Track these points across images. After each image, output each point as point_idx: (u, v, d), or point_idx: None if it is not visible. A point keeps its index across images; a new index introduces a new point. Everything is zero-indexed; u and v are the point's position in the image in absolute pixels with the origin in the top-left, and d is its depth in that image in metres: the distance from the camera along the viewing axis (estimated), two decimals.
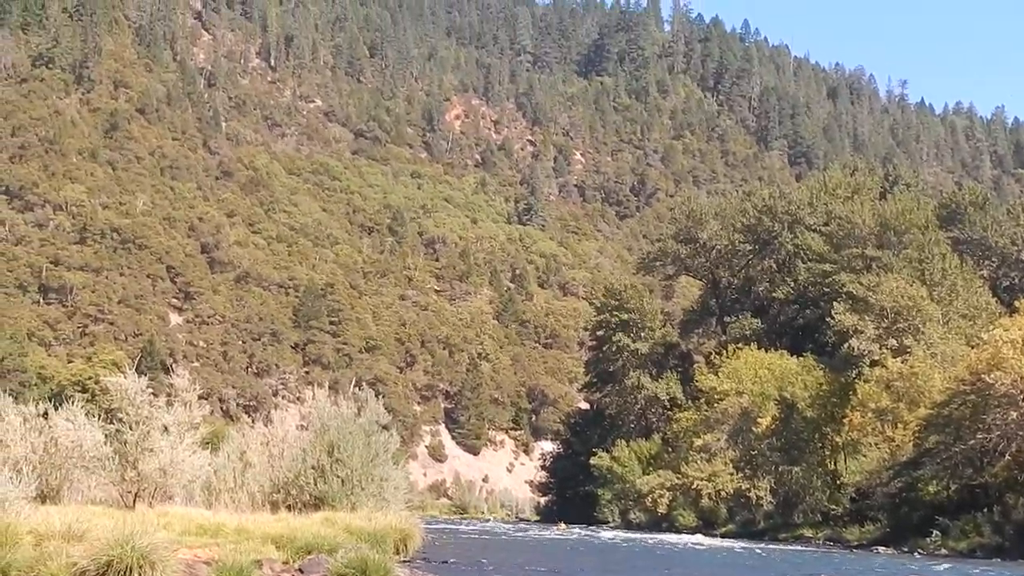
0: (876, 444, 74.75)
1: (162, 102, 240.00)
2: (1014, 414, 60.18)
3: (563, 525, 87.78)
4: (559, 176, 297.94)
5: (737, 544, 60.09)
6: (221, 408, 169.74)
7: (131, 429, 28.61)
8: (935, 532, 59.95)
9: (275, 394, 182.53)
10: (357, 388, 36.34)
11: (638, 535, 70.93)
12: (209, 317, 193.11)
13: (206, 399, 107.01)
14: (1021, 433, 60.46)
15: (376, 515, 27.99)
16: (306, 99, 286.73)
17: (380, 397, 36.55)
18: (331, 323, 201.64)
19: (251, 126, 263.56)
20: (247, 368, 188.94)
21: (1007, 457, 61.04)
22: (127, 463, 28.61)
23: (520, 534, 64.88)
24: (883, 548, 59.95)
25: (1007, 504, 58.51)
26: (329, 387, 35.69)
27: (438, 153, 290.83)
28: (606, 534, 73.34)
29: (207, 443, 32.03)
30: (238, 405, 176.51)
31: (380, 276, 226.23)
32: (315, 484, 31.25)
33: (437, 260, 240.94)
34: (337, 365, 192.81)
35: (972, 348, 71.77)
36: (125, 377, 29.35)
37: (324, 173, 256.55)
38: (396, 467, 34.48)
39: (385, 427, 33.98)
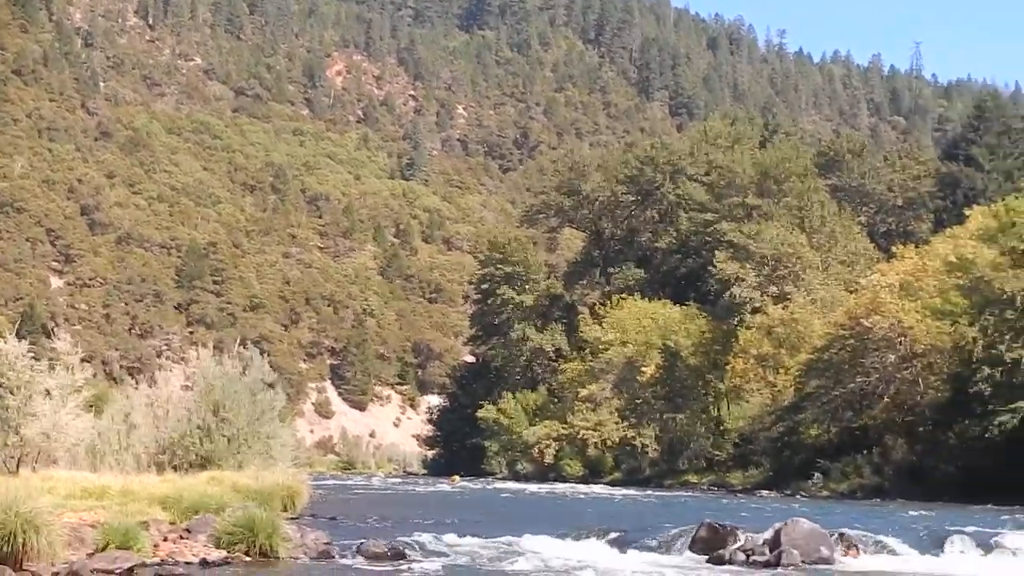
0: (758, 390, 75.86)
1: (39, 63, 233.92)
2: (892, 357, 61.49)
3: (456, 478, 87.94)
4: (442, 131, 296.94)
5: (624, 491, 60.70)
6: (104, 371, 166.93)
7: (12, 394, 28.10)
8: (816, 474, 61.04)
9: (159, 355, 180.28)
10: (242, 347, 35.89)
11: (533, 486, 71.33)
12: (90, 279, 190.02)
13: (89, 362, 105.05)
14: (899, 376, 61.82)
15: (263, 473, 27.77)
16: (185, 57, 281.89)
17: (265, 355, 36.21)
18: (214, 283, 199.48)
19: (130, 86, 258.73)
20: (130, 330, 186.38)
21: (885, 399, 62.39)
22: (9, 428, 28.10)
23: (410, 488, 64.89)
24: (766, 491, 60.91)
25: (886, 445, 59.74)
26: (213, 347, 35.16)
27: (320, 110, 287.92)
28: (502, 485, 73.69)
29: (91, 406, 31.50)
30: (121, 367, 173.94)
31: (263, 234, 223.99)
32: (201, 444, 30.94)
33: (320, 217, 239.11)
34: (221, 324, 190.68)
35: (851, 293, 73.12)
36: (5, 342, 28.77)
37: (205, 132, 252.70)
38: (283, 425, 34.25)
39: (271, 385, 33.70)
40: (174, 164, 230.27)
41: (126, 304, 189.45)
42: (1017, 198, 60.51)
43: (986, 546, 21.93)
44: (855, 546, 21.84)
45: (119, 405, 33.17)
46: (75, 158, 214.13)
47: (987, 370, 54.17)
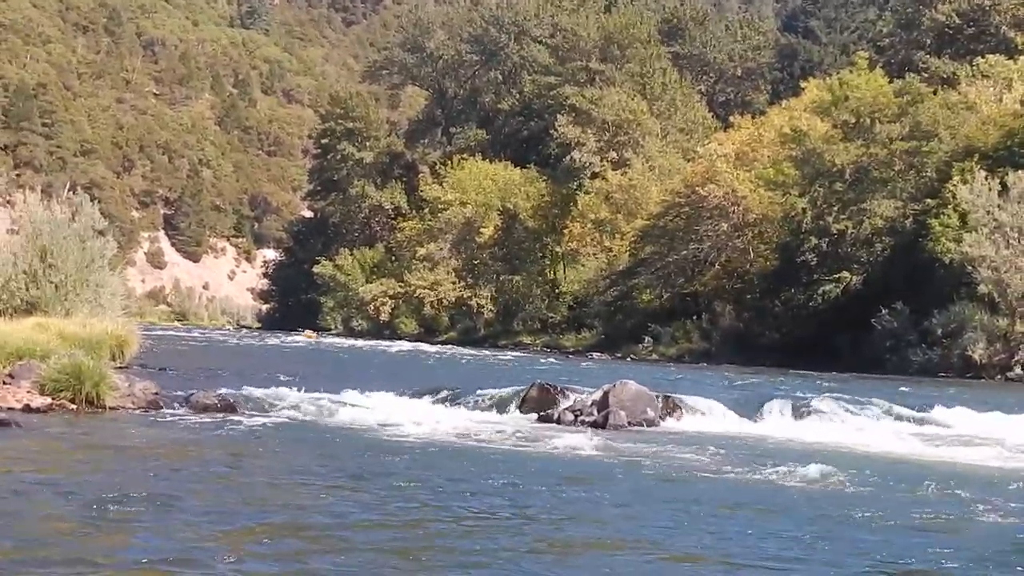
0: (595, 254, 76.78)
1: None
2: (724, 225, 62.77)
3: (311, 333, 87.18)
4: None
5: (458, 351, 61.26)
6: None
7: None
8: (647, 339, 62.30)
9: None
10: (72, 192, 34.96)
11: (368, 343, 71.49)
12: None
13: None
14: (731, 244, 63.22)
15: (91, 321, 27.30)
16: None
17: (96, 202, 35.29)
18: (43, 125, 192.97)
19: None
20: None
21: (716, 267, 63.83)
22: None
23: (252, 341, 64.42)
24: (597, 354, 61.94)
25: (715, 311, 61.21)
26: (42, 191, 34.19)
27: None
28: (345, 342, 73.64)
29: None
30: None
31: (96, 78, 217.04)
32: (27, 289, 30.22)
33: (156, 63, 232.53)
34: (50, 168, 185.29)
35: (688, 162, 74.14)
36: None
37: None
38: (113, 273, 33.58)
39: (101, 233, 32.95)
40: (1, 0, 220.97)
41: None
42: (851, 72, 61.55)
43: (801, 411, 22.71)
44: (679, 408, 22.42)
45: None
46: None
47: (814, 240, 55.68)
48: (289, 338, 73.72)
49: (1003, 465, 17.28)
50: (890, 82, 60.93)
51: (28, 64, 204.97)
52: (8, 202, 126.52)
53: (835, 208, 56.06)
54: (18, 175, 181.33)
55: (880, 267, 54.52)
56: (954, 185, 48.79)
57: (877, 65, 66.96)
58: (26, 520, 10.11)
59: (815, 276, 55.42)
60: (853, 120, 57.71)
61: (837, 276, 54.47)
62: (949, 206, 49.16)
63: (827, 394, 24.83)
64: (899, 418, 22.75)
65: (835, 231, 55.31)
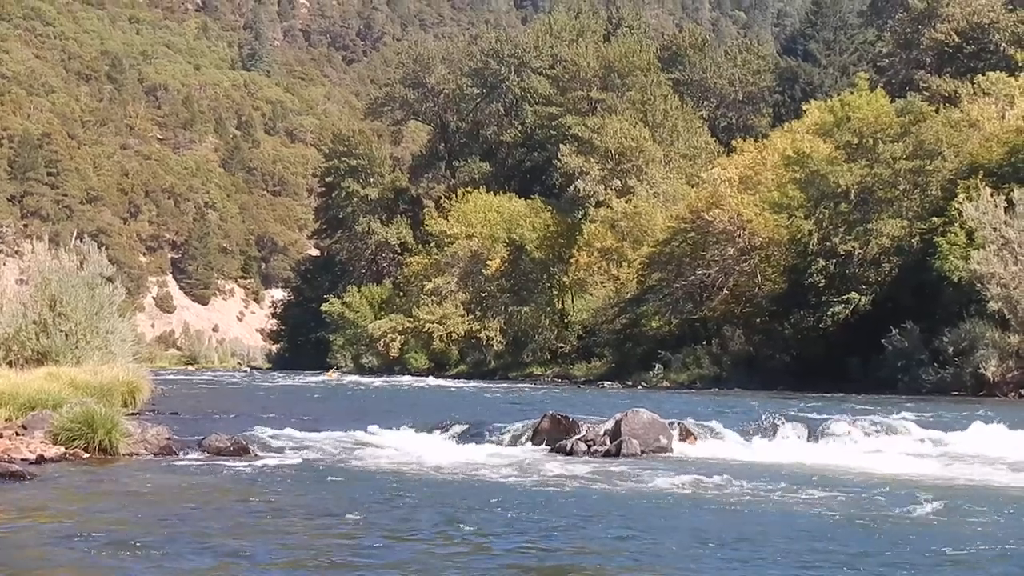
0: (602, 283, 76.73)
1: None
2: (731, 250, 62.70)
3: (334, 372, 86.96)
4: (283, 20, 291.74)
5: (469, 384, 61.19)
6: None
7: None
8: (657, 365, 62.14)
9: None
10: (79, 240, 35.08)
11: (379, 380, 71.47)
12: None
13: None
14: (738, 268, 63.13)
15: (102, 368, 27.31)
16: None
17: (103, 249, 35.48)
18: (49, 174, 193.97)
19: None
20: None
21: (724, 291, 63.68)
22: None
23: (263, 382, 64.44)
24: (608, 383, 61.85)
25: (724, 336, 61.09)
26: (49, 240, 34.30)
27: None
28: (352, 379, 73.62)
29: None
30: None
31: (100, 125, 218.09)
32: (37, 339, 30.25)
33: (159, 108, 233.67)
34: (57, 217, 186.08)
35: (692, 187, 74.17)
36: None
37: (36, 18, 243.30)
38: (122, 319, 33.62)
39: (109, 279, 33.02)
40: (4, 51, 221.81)
41: None
42: (852, 93, 61.66)
43: (814, 433, 22.65)
44: (692, 435, 22.36)
45: None
46: None
47: (821, 262, 55.63)
48: (310, 378, 73.48)
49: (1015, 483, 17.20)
50: (892, 102, 61.09)
51: (32, 114, 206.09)
52: (16, 252, 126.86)
53: (841, 229, 56.04)
54: (25, 225, 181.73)
55: (888, 287, 54.44)
56: (960, 203, 48.75)
57: (878, 85, 67.15)
58: (43, 570, 10.09)
59: (824, 298, 55.35)
60: (856, 141, 57.79)
61: (846, 297, 54.39)
62: (955, 224, 49.11)
63: (841, 416, 24.75)
64: (916, 439, 22.66)
65: (842, 252, 55.27)
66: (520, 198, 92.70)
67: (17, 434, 19.97)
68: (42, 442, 19.40)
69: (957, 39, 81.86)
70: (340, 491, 15.78)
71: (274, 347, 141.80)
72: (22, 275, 35.24)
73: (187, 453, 19.96)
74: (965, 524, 12.97)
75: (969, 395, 42.73)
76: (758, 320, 62.11)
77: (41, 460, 18.21)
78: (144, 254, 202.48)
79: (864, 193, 56.36)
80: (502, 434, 22.75)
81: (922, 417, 25.89)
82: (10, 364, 28.63)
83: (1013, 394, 43.40)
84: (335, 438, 21.87)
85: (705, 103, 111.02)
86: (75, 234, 42.01)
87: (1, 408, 21.56)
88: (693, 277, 64.11)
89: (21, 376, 24.57)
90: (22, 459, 17.96)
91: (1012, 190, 47.33)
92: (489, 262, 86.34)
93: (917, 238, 53.72)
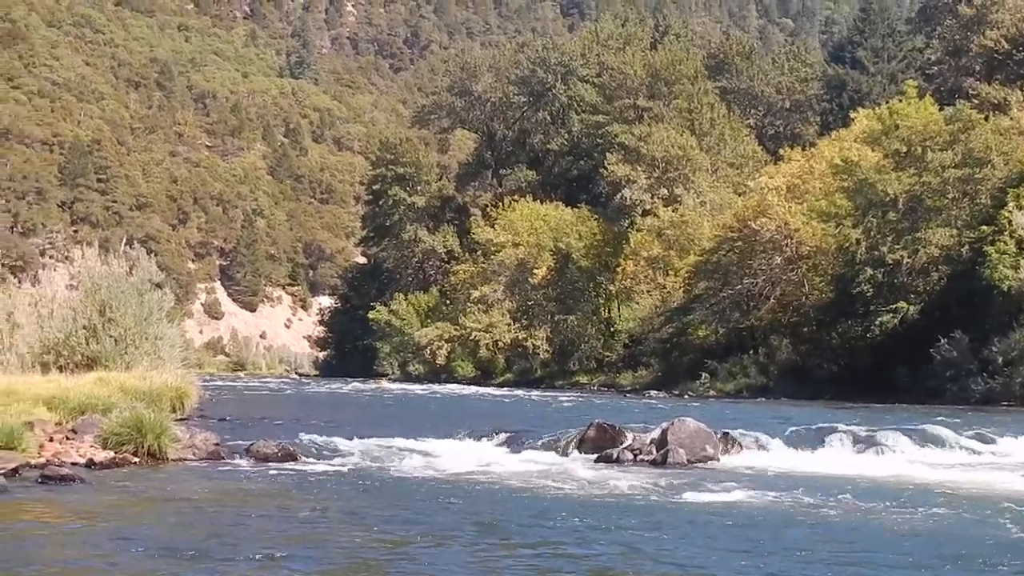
0: (648, 291, 76.51)
1: None
2: (778, 259, 62.45)
3: (384, 381, 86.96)
4: (331, 28, 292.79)
5: (515, 392, 61.20)
6: None
7: None
8: (704, 375, 61.88)
9: (42, 254, 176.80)
10: (128, 246, 35.41)
11: (424, 388, 71.56)
12: None
13: None
14: (785, 277, 62.86)
15: (151, 374, 27.50)
16: None
17: (153, 255, 35.72)
18: (99, 181, 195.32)
19: None
20: (12, 228, 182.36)
21: (771, 300, 63.41)
22: None
23: (312, 389, 64.64)
24: (655, 392, 61.67)
25: (771, 345, 60.78)
26: (99, 246, 34.58)
27: (205, 4, 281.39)
28: (402, 387, 73.76)
29: None
30: (4, 266, 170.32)
31: (149, 132, 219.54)
32: (87, 344, 30.49)
33: (208, 115, 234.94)
34: (107, 223, 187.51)
35: (739, 196, 73.94)
36: None
37: (86, 25, 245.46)
38: (171, 325, 33.85)
39: (159, 285, 33.26)
40: (55, 58, 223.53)
41: (7, 201, 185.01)
42: (900, 101, 61.30)
43: (861, 444, 22.53)
44: (738, 444, 22.30)
45: (1, 304, 32.52)
46: None
47: (869, 271, 55.27)
48: (358, 385, 73.49)
49: None
50: (940, 109, 60.64)
51: (82, 121, 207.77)
52: (66, 258, 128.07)
53: (889, 238, 55.69)
54: (75, 231, 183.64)
55: (937, 296, 54.06)
56: (1009, 211, 48.40)
57: (926, 93, 66.52)
58: (95, 573, 10.19)
59: (871, 307, 55.01)
60: (904, 149, 57.42)
61: (894, 307, 54.05)
62: (1005, 232, 48.74)
63: (889, 426, 24.60)
64: (966, 449, 22.50)
65: (890, 261, 54.93)
66: (566, 207, 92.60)
67: (68, 438, 20.17)
68: (92, 446, 19.58)
69: (1007, 46, 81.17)
70: (387, 498, 15.84)
71: (321, 354, 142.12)
72: (72, 280, 35.56)
73: (235, 459, 20.09)
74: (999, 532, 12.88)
75: (1018, 405, 42.36)
76: (805, 329, 61.77)
77: (91, 464, 18.39)
78: (193, 261, 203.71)
79: (912, 202, 56.00)
80: (548, 442, 22.77)
81: (970, 428, 25.68)
82: (60, 369, 28.88)
83: None
84: (382, 445, 21.94)
85: (752, 111, 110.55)
86: (124, 240, 42.41)
87: (52, 412, 21.77)
88: (740, 286, 63.90)
89: (71, 380, 24.81)
90: (72, 463, 18.15)
91: None
92: (535, 270, 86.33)
93: (966, 247, 53.32)
